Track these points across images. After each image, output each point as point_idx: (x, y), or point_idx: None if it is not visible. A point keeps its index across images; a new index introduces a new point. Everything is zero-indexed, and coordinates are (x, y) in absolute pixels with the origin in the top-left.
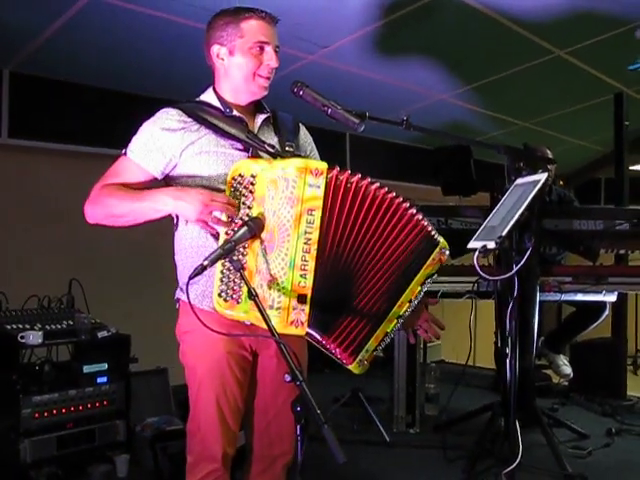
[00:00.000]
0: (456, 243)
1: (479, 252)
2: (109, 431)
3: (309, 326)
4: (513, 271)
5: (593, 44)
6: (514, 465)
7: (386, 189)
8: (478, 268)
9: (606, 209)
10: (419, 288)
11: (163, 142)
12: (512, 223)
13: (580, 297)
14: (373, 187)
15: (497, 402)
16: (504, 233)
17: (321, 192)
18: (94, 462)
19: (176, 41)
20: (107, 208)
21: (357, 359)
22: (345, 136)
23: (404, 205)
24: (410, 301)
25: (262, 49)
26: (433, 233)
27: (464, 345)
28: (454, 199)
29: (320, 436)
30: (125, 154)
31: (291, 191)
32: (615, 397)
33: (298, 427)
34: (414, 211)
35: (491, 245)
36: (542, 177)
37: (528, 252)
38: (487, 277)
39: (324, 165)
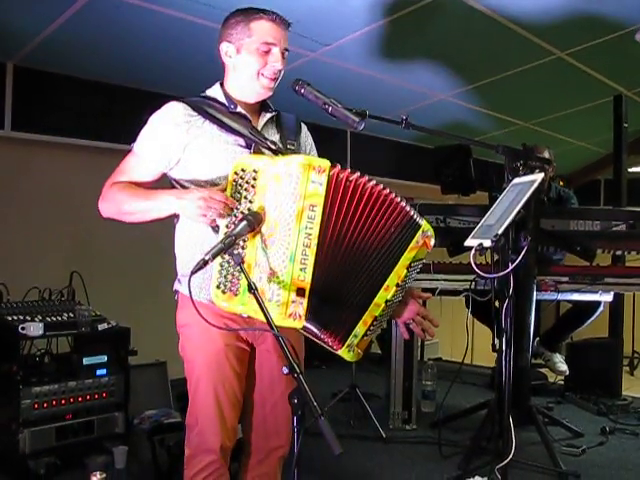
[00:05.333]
0: (454, 241)
1: (475, 250)
2: (108, 423)
3: (306, 319)
4: (509, 269)
5: (594, 46)
6: (507, 461)
7: (381, 186)
8: (475, 266)
9: (603, 210)
10: (405, 272)
11: (168, 136)
12: (508, 222)
13: (577, 297)
14: (370, 184)
15: (493, 400)
16: (500, 231)
17: (323, 189)
18: (92, 453)
19: (179, 36)
20: (116, 206)
21: (346, 344)
22: (346, 134)
23: (396, 199)
24: (397, 285)
25: (269, 50)
26: (415, 217)
27: (462, 343)
28: (453, 198)
29: (316, 430)
30: (133, 148)
31: (294, 187)
32: (610, 396)
33: (295, 419)
34: (399, 199)
35: (487, 243)
36: (538, 177)
37: (523, 251)
38: (483, 275)
39: (327, 163)
